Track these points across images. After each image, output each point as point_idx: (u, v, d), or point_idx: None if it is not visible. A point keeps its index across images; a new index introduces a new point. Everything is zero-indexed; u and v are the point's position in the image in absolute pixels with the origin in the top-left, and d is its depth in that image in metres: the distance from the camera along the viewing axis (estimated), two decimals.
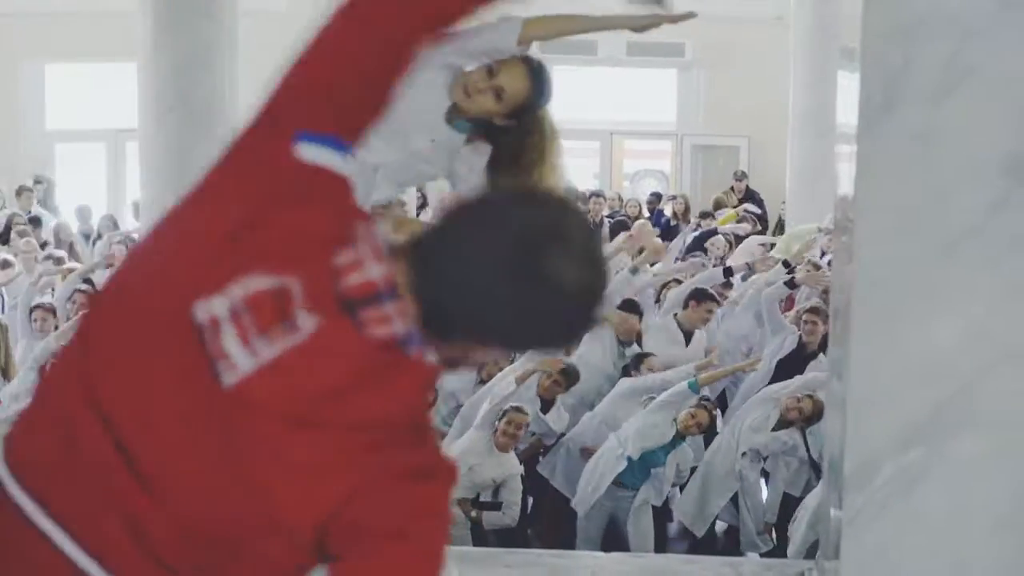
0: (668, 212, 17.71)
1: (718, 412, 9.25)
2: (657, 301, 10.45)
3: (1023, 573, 3.81)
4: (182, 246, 1.91)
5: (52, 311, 9.92)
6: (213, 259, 1.85)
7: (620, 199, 18.58)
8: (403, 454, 1.87)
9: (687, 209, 17.32)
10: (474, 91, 4.19)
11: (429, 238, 1.86)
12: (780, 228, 17.07)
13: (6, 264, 12.31)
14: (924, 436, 3.78)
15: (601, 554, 6.21)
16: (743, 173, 19.42)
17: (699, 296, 9.67)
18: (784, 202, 17.27)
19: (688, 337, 9.64)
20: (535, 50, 4.36)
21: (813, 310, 9.54)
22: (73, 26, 19.51)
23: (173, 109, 11.58)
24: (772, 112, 18.29)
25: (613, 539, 8.32)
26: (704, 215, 16.65)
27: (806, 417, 8.29)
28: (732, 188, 18.52)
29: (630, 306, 9.51)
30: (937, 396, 3.77)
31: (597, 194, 17.75)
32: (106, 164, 21.13)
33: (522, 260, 1.78)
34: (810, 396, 8.31)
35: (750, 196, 18.29)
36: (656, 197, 18.43)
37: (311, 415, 1.81)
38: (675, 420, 8.24)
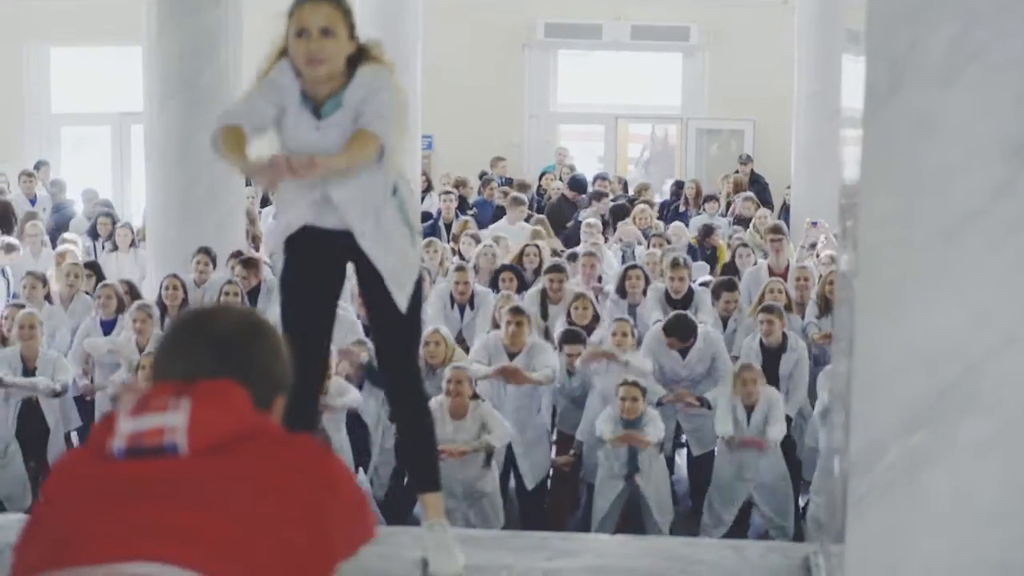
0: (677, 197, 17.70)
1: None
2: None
3: None
4: None
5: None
6: None
7: (625, 186, 18.55)
8: None
9: (698, 194, 17.31)
10: (306, 56, 4.36)
11: None
12: (785, 212, 17.07)
13: (10, 248, 12.37)
14: (929, 419, 3.79)
15: (606, 536, 6.23)
16: (748, 157, 19.41)
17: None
18: (789, 186, 17.26)
19: None
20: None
21: (767, 309, 9.64)
22: (78, 10, 19.51)
23: (177, 93, 11.61)
24: (777, 96, 18.28)
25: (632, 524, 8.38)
26: (708, 199, 16.65)
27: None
28: (737, 172, 18.50)
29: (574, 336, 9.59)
30: (942, 379, 3.78)
31: (602, 177, 17.75)
32: (111, 147, 21.16)
33: None
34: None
35: (755, 180, 18.28)
36: (678, 185, 18.33)
37: None
38: (620, 420, 8.33)
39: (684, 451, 9.99)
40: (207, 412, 2.18)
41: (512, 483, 9.10)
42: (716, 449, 8.96)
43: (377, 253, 4.52)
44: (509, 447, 8.76)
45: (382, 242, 4.52)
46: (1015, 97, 3.69)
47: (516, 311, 9.04)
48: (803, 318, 10.49)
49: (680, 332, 9.31)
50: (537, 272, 11.64)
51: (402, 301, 4.57)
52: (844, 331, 4.20)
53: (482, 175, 18.49)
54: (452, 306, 10.61)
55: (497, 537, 5.62)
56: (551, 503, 9.12)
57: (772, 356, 9.50)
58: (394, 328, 4.66)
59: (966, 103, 3.71)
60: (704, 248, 13.97)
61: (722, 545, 5.37)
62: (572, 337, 9.50)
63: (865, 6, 3.82)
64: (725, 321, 10.49)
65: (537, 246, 12.42)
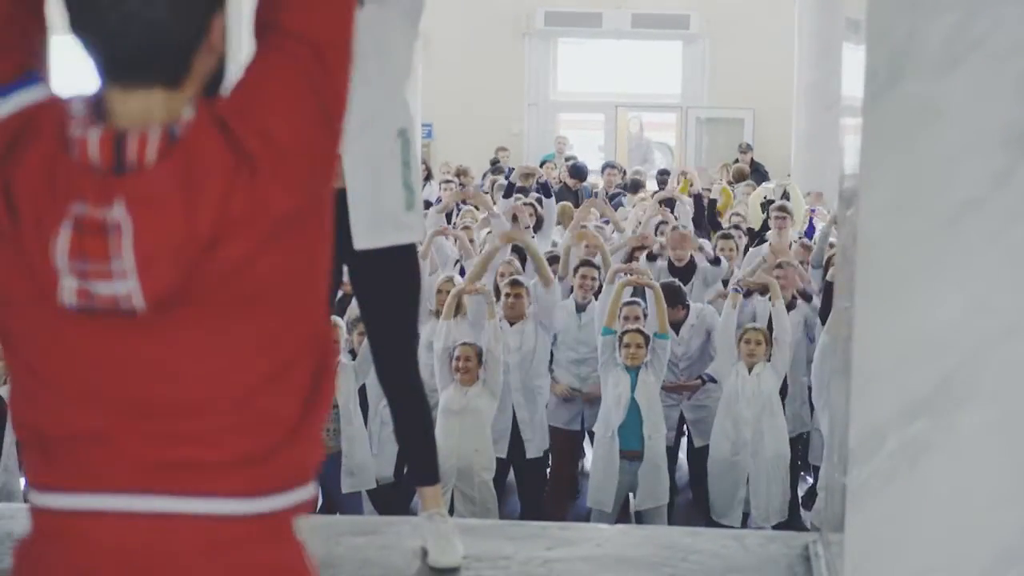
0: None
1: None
2: None
3: None
4: None
5: None
6: None
7: (624, 174, 18.55)
8: None
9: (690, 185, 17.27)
10: None
11: None
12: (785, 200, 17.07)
13: None
14: (928, 408, 3.79)
15: (605, 526, 6.22)
16: (748, 145, 19.42)
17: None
18: (789, 175, 17.26)
19: None
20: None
21: (782, 266, 9.64)
22: None
23: None
24: (777, 84, 18.30)
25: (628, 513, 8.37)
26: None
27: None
28: (737, 160, 18.50)
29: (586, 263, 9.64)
30: (941, 368, 3.78)
31: (612, 165, 17.74)
32: None
33: None
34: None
35: (755, 168, 18.29)
36: (662, 174, 18.32)
37: None
38: (620, 364, 8.31)
39: (685, 440, 9.98)
40: (152, 250, 1.84)
41: (511, 477, 9.09)
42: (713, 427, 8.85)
43: (355, 180, 4.34)
44: (514, 432, 8.76)
45: (367, 173, 4.38)
46: (1015, 85, 3.68)
47: (515, 283, 9.06)
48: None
49: (668, 298, 9.32)
50: (536, 229, 11.77)
51: (363, 240, 4.38)
52: (843, 319, 4.19)
53: (495, 162, 18.50)
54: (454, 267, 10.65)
55: (496, 527, 5.62)
56: (550, 492, 9.11)
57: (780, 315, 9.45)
58: (391, 319, 4.63)
59: (966, 91, 3.70)
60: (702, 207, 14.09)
61: (722, 535, 5.37)
62: (585, 263, 9.61)
63: None
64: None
65: (532, 205, 12.44)
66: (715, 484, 8.56)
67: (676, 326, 9.35)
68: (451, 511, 7.67)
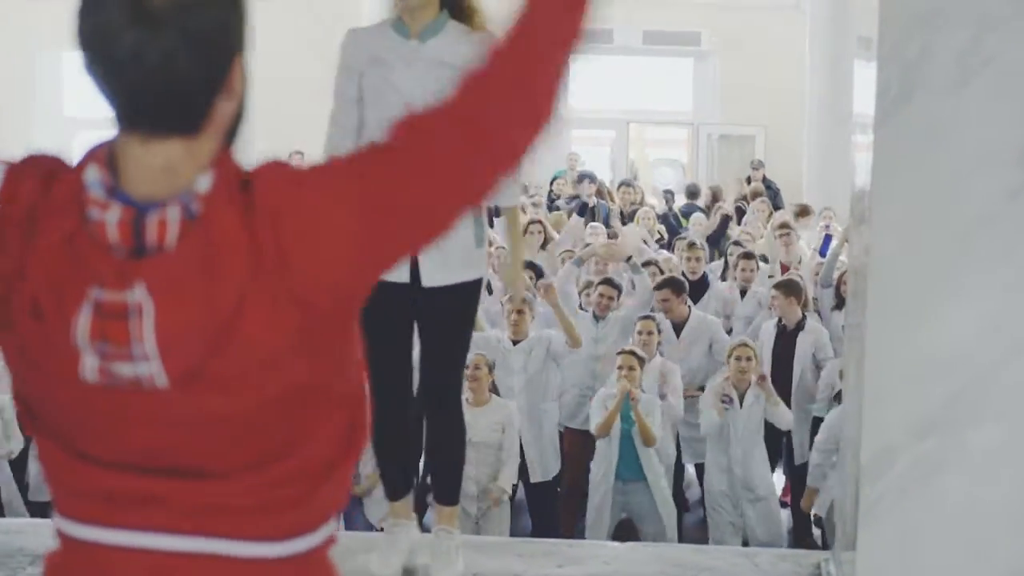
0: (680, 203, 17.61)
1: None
2: None
3: None
4: None
5: None
6: None
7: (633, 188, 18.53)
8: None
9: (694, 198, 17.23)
10: None
11: None
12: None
13: None
14: (940, 426, 3.78)
15: (615, 544, 6.21)
16: (759, 162, 19.37)
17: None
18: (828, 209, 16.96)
19: None
20: None
21: (783, 286, 9.55)
22: None
23: None
24: (789, 101, 18.28)
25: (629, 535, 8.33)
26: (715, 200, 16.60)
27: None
28: (749, 178, 18.46)
29: (609, 281, 9.59)
30: (953, 386, 3.77)
31: (627, 183, 17.70)
32: None
33: None
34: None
35: (766, 186, 18.24)
36: (670, 195, 18.22)
37: None
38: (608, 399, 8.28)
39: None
40: (174, 334, 1.82)
41: (521, 492, 9.05)
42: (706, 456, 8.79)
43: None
44: (523, 452, 8.71)
45: None
46: None
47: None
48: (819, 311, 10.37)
49: (671, 285, 9.32)
50: (542, 247, 11.76)
51: (432, 278, 4.41)
52: (856, 336, 4.18)
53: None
54: None
55: (506, 544, 5.61)
56: (563, 505, 9.07)
57: (788, 338, 9.36)
58: (447, 350, 4.60)
59: (977, 109, 3.69)
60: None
61: (733, 552, 5.36)
62: (605, 280, 9.54)
63: (876, 12, 3.81)
64: (743, 292, 10.51)
65: (540, 222, 12.41)
66: (712, 514, 8.54)
67: (679, 325, 9.37)
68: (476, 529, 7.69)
